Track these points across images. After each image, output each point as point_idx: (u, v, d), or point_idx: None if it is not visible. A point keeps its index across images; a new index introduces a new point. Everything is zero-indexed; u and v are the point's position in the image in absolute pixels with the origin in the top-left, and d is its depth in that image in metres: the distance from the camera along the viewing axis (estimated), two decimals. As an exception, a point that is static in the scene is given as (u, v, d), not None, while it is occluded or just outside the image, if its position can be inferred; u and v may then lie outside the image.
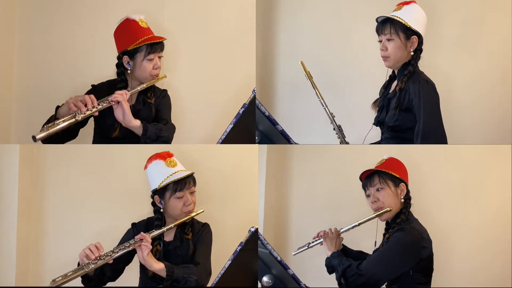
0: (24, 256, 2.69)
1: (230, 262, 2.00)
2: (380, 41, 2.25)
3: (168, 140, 2.28)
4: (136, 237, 2.12)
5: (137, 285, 2.31)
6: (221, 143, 2.10)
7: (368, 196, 2.19)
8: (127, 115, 2.16)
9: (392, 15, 2.21)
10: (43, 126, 2.05)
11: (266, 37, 3.08)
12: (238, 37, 2.81)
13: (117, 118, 2.18)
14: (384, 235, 2.20)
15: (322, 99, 2.34)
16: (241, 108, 2.07)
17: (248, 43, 2.81)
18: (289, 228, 2.98)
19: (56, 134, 2.06)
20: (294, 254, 2.28)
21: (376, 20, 2.26)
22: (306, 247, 2.25)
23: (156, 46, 2.26)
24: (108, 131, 2.26)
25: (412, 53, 2.21)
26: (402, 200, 2.14)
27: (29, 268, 2.72)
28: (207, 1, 2.81)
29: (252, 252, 2.04)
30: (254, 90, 2.10)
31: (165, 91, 2.42)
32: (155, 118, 2.33)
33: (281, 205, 3.00)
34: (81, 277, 2.07)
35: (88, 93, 2.26)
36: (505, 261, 2.68)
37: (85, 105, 2.10)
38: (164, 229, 2.19)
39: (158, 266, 2.10)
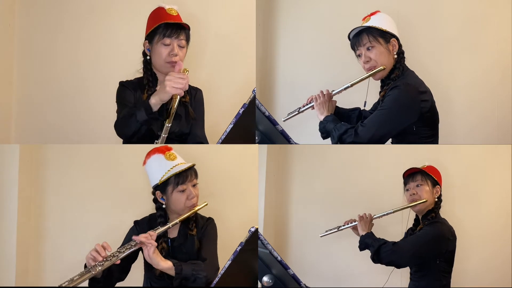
0: (24, 256, 2.69)
1: (230, 262, 1.99)
2: (359, 56, 2.21)
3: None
4: (140, 235, 2.01)
5: (141, 283, 2.28)
6: (221, 143, 2.09)
7: (407, 190, 2.37)
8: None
9: (364, 26, 2.18)
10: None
11: (266, 37, 3.08)
12: (238, 37, 2.81)
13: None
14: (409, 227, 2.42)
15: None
16: (241, 108, 2.06)
17: (248, 43, 2.81)
18: (289, 228, 2.98)
19: None
20: (321, 236, 2.42)
21: (348, 37, 2.23)
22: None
23: (172, 29, 2.10)
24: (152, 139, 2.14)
25: (395, 57, 2.18)
26: (436, 200, 2.33)
27: (29, 268, 2.72)
28: (207, 1, 2.81)
29: (252, 252, 2.03)
30: (254, 90, 2.10)
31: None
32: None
33: (281, 205, 3.00)
34: (89, 280, 1.98)
35: (118, 92, 2.16)
36: (505, 261, 2.68)
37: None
38: (170, 225, 2.09)
39: (165, 265, 2.01)
